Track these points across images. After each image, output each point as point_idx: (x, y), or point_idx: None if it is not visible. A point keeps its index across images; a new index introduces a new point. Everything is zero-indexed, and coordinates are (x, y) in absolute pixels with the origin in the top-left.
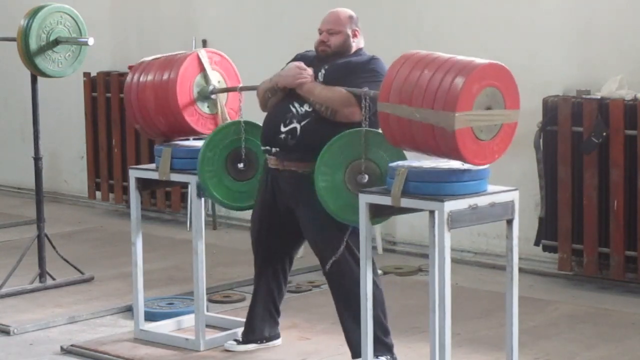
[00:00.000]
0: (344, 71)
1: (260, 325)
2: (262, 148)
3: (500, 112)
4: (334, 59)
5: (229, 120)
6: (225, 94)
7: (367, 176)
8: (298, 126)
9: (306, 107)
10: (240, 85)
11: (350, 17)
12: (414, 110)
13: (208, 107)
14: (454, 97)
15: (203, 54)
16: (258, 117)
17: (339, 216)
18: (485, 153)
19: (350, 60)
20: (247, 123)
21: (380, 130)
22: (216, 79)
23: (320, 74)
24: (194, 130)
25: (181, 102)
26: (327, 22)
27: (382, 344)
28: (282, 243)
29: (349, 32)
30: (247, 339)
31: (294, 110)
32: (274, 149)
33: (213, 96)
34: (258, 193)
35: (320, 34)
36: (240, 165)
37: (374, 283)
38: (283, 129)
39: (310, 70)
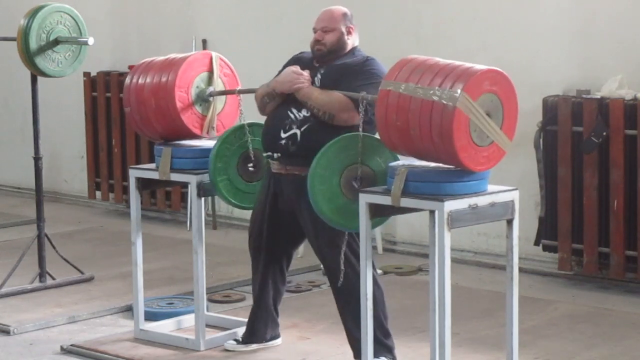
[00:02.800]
0: (340, 74)
1: (263, 328)
2: (264, 154)
3: (497, 128)
4: (330, 59)
5: (214, 130)
6: (222, 105)
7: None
8: (298, 132)
9: (304, 112)
10: (239, 88)
11: (344, 14)
12: (418, 87)
13: (200, 106)
14: (466, 78)
15: (217, 58)
16: (256, 119)
17: (333, 221)
18: (471, 154)
19: (346, 63)
20: (251, 125)
21: (377, 136)
22: (219, 87)
23: (316, 78)
24: (182, 120)
25: (178, 88)
26: (321, 20)
27: (382, 346)
28: (283, 244)
29: (343, 29)
30: (248, 340)
31: (292, 116)
32: (275, 155)
33: (210, 99)
34: (258, 196)
35: (315, 32)
36: (250, 166)
37: (375, 282)
38: (283, 135)
39: (307, 75)
